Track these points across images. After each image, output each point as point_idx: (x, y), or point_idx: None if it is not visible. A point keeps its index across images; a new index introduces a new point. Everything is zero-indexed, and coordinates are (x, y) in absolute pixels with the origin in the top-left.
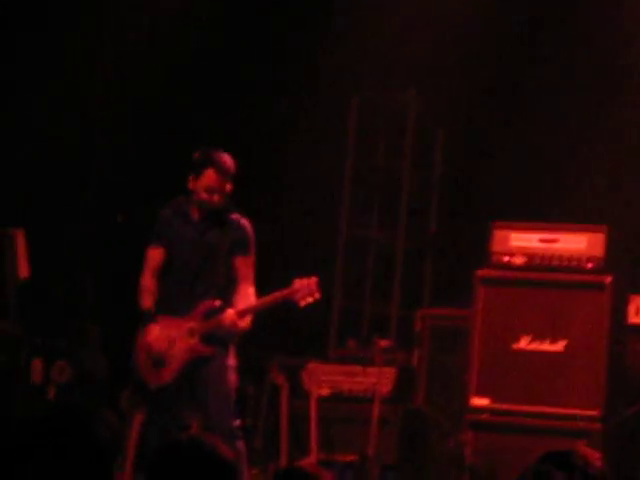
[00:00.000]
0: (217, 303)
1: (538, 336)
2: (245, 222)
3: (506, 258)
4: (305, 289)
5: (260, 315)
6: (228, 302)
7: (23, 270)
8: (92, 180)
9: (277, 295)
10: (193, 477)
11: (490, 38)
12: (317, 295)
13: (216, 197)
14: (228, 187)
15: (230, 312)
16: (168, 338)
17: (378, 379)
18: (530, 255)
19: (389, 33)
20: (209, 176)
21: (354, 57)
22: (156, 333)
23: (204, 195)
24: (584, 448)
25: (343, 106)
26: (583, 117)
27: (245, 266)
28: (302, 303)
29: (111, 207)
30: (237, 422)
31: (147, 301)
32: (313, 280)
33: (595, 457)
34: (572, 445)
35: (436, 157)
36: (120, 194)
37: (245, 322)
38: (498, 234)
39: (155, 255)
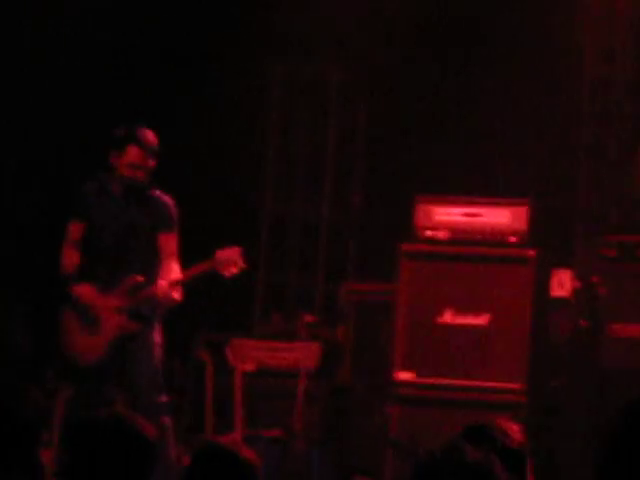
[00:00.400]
0: (140, 279)
1: (462, 310)
2: (168, 198)
3: (430, 232)
4: (229, 259)
5: (185, 291)
6: (153, 278)
7: None
8: (12, 161)
9: (201, 267)
10: (112, 452)
11: (414, 7)
12: (242, 264)
13: (139, 173)
14: (151, 163)
15: (162, 283)
16: (96, 304)
17: (303, 354)
18: (454, 229)
19: (312, 3)
20: (132, 152)
21: (279, 27)
22: (85, 288)
23: (127, 171)
24: (503, 421)
25: (265, 78)
26: (509, 90)
27: (169, 242)
28: (227, 273)
29: (30, 186)
30: (163, 398)
31: (69, 270)
32: (236, 250)
33: (514, 430)
34: (495, 418)
35: (359, 131)
36: (41, 172)
37: (177, 295)
38: (422, 208)
39: (75, 230)
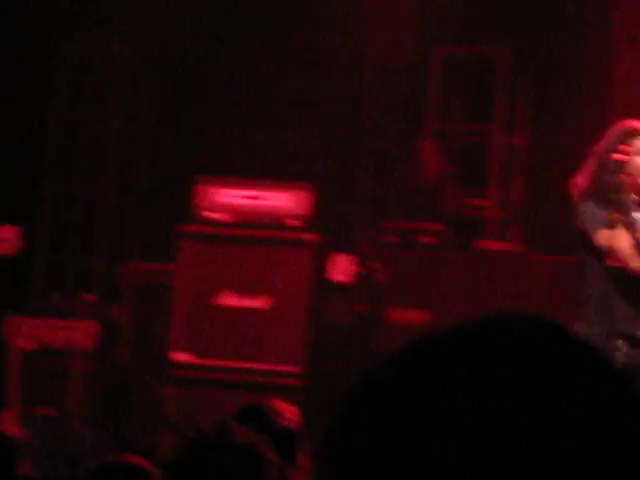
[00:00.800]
0: None
1: (241, 292)
2: None
3: (210, 214)
4: (3, 238)
5: None
6: None
7: None
8: None
9: None
10: None
11: None
12: (18, 244)
13: None
14: None
15: None
16: None
17: (81, 333)
18: (234, 211)
19: None
20: None
21: (68, 5)
22: None
23: None
24: (278, 403)
25: (52, 56)
26: (294, 75)
27: None
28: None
29: None
30: None
31: None
32: (12, 229)
33: (288, 412)
34: (270, 400)
35: (144, 111)
36: None
37: None
38: (202, 189)
39: None
